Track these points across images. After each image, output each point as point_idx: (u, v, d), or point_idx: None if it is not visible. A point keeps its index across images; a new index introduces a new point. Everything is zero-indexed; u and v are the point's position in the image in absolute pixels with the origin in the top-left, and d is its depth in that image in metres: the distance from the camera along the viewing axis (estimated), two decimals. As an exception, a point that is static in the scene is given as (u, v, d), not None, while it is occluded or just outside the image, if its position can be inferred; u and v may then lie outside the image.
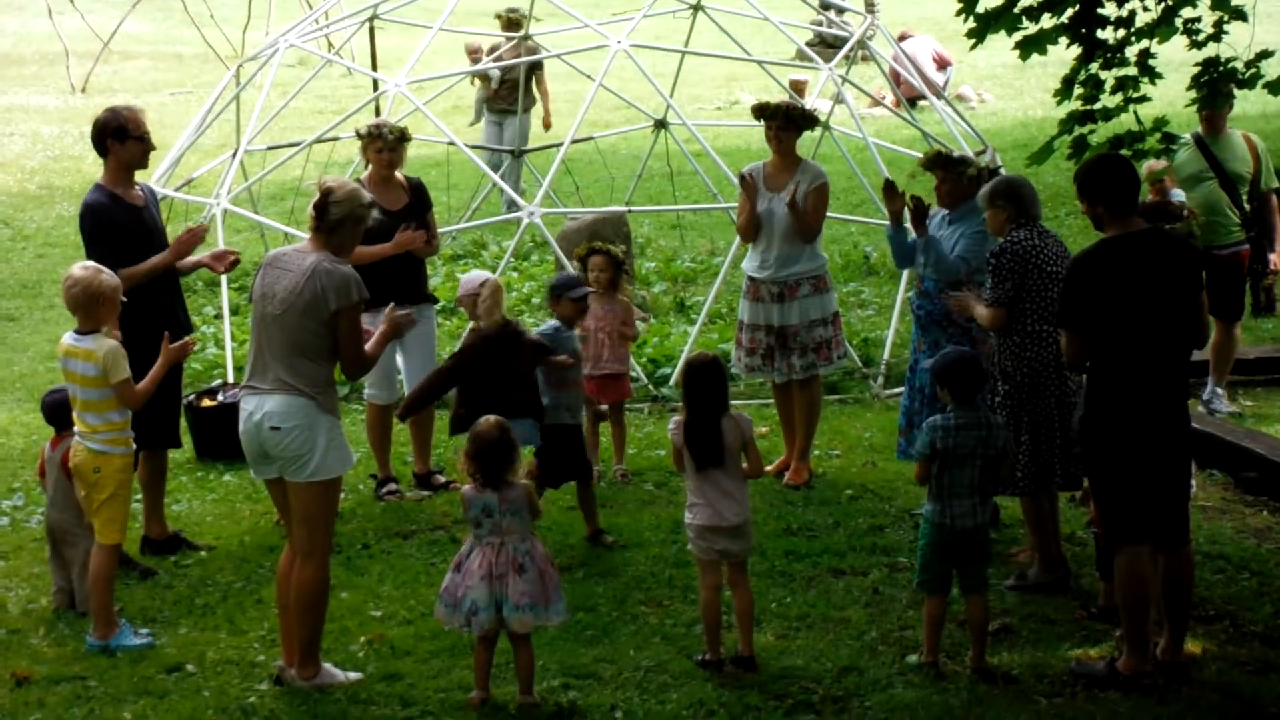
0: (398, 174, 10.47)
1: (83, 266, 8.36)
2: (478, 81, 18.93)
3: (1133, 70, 9.00)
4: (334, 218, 7.56)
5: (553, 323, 9.74)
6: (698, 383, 7.76)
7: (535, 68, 18.51)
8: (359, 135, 10.50)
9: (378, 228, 10.08)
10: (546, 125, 19.06)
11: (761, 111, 10.55)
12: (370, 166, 10.43)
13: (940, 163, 9.66)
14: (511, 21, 18.07)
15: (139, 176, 9.66)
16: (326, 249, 7.54)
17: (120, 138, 9.30)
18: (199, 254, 9.76)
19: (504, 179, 16.80)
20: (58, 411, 8.79)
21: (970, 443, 7.63)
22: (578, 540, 9.40)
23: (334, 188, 7.60)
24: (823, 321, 10.47)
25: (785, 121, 10.43)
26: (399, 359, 10.53)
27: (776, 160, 10.51)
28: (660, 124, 17.90)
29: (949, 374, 7.77)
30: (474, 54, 19.35)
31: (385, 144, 10.31)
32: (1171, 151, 10.18)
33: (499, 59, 18.12)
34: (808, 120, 10.62)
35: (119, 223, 9.23)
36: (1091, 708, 7.23)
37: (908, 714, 7.18)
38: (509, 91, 18.44)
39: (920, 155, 10.45)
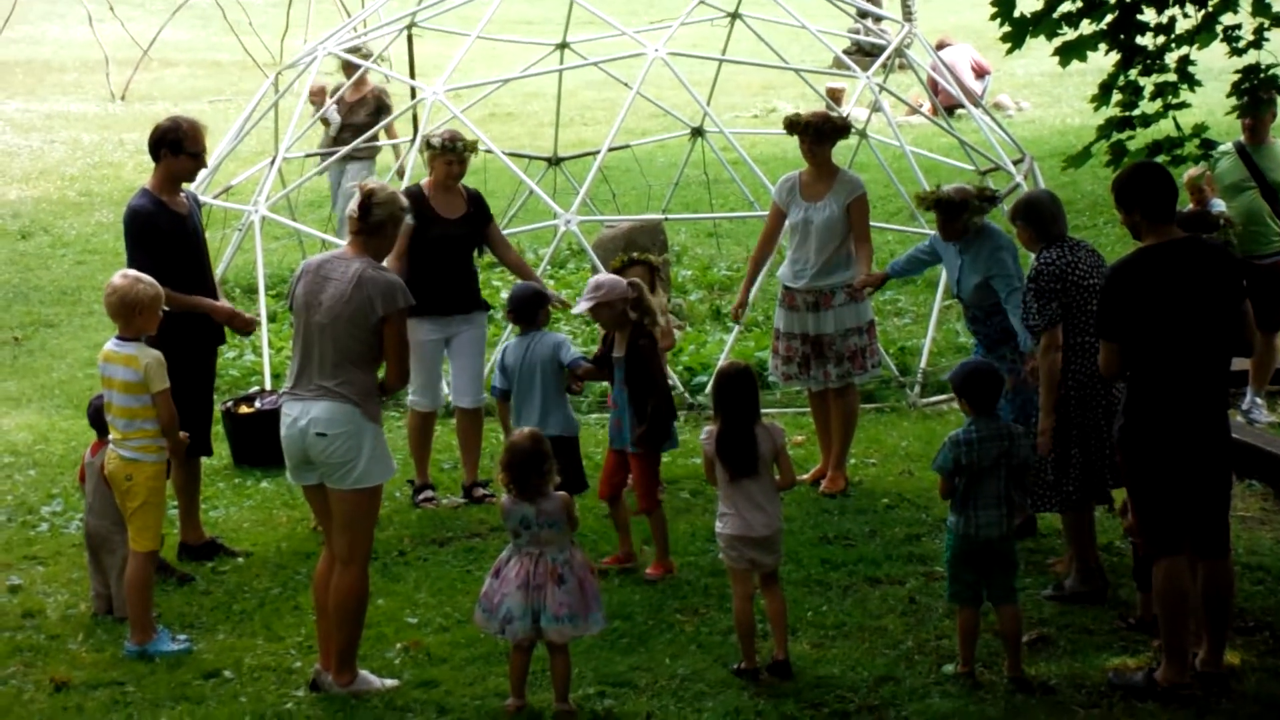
0: (459, 183, 10.51)
1: (122, 275, 8.41)
2: (322, 127, 17.31)
3: (1172, 77, 8.97)
4: (376, 219, 7.59)
5: (560, 335, 9.67)
6: (731, 391, 7.74)
7: (380, 110, 16.69)
8: (428, 145, 10.49)
9: (438, 235, 10.14)
10: (400, 173, 16.91)
11: (793, 126, 10.52)
12: (432, 174, 10.45)
13: (939, 208, 9.61)
14: (351, 65, 16.55)
15: None
16: (367, 253, 7.56)
17: (175, 150, 9.36)
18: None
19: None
20: (101, 417, 8.84)
21: (993, 453, 7.61)
22: (613, 548, 9.38)
23: (375, 189, 7.64)
24: (858, 330, 10.46)
25: (817, 135, 10.39)
26: (449, 366, 10.55)
27: (812, 171, 10.50)
28: (697, 132, 17.88)
29: (968, 385, 7.74)
30: (316, 95, 16.97)
31: (457, 157, 10.35)
32: (1210, 158, 10.14)
33: (341, 101, 16.66)
34: (839, 131, 10.57)
35: (163, 230, 9.28)
36: (1129, 719, 7.19)
37: (944, 724, 7.16)
38: (352, 136, 16.19)
39: (961, 164, 10.43)
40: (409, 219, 7.90)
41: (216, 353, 9.78)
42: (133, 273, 8.45)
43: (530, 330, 9.46)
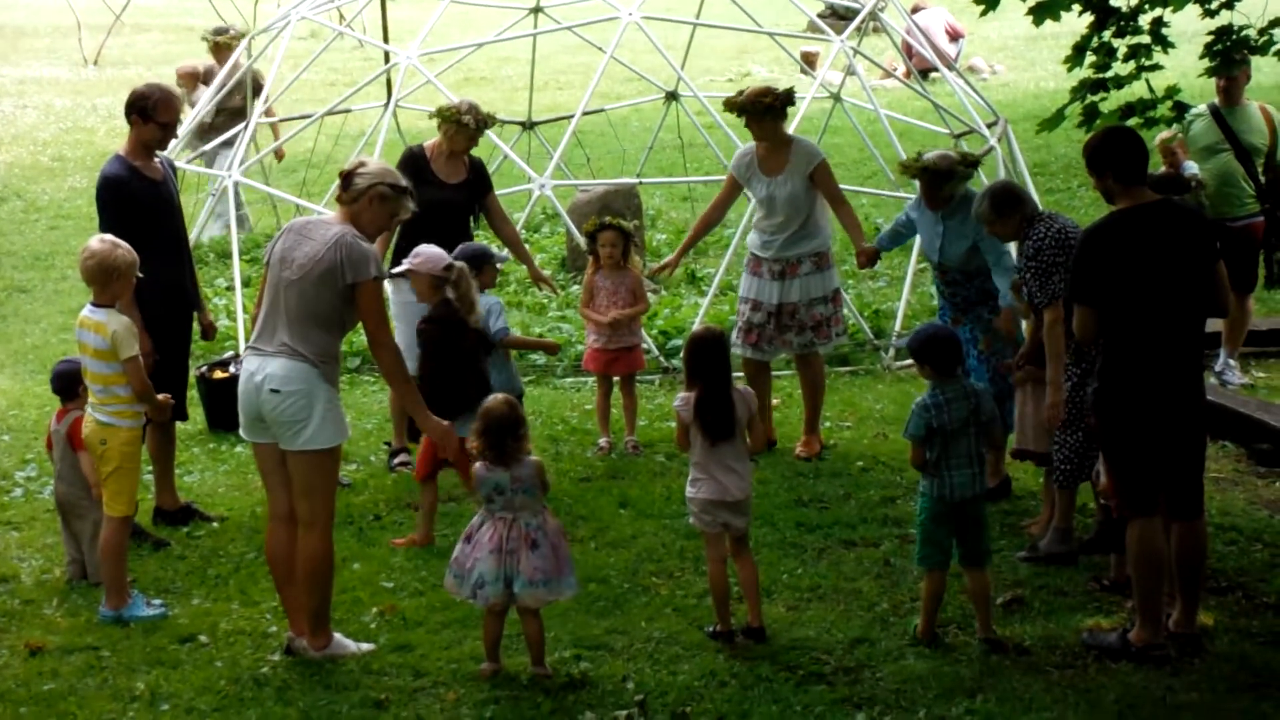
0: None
1: (100, 239, 8.37)
2: (186, 110, 16.20)
3: (1146, 39, 8.97)
4: (356, 189, 7.57)
5: (493, 300, 9.66)
6: (706, 357, 7.74)
7: (255, 93, 15.81)
8: (441, 112, 10.42)
9: (434, 198, 10.13)
10: (279, 156, 16.88)
11: (731, 107, 10.41)
12: (440, 136, 10.42)
13: (924, 176, 9.63)
14: (220, 45, 16.32)
15: None
16: (354, 223, 7.55)
17: (145, 117, 9.31)
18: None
19: (219, 208, 15.15)
20: (63, 382, 8.84)
21: (962, 413, 7.63)
22: (589, 511, 9.40)
23: (366, 162, 7.67)
24: (823, 299, 10.44)
25: (755, 114, 10.28)
26: None
27: (765, 145, 10.44)
28: (671, 96, 17.87)
29: (927, 350, 7.75)
30: (188, 76, 16.68)
31: (466, 132, 10.33)
32: (1184, 120, 10.16)
33: (222, 87, 15.88)
34: (781, 103, 10.31)
35: (136, 196, 9.24)
36: (1103, 679, 7.23)
37: (919, 685, 7.18)
38: (226, 122, 15.98)
39: (935, 127, 10.43)
40: (410, 205, 7.81)
41: (191, 318, 9.74)
42: (110, 238, 8.41)
43: None
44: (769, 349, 10.49)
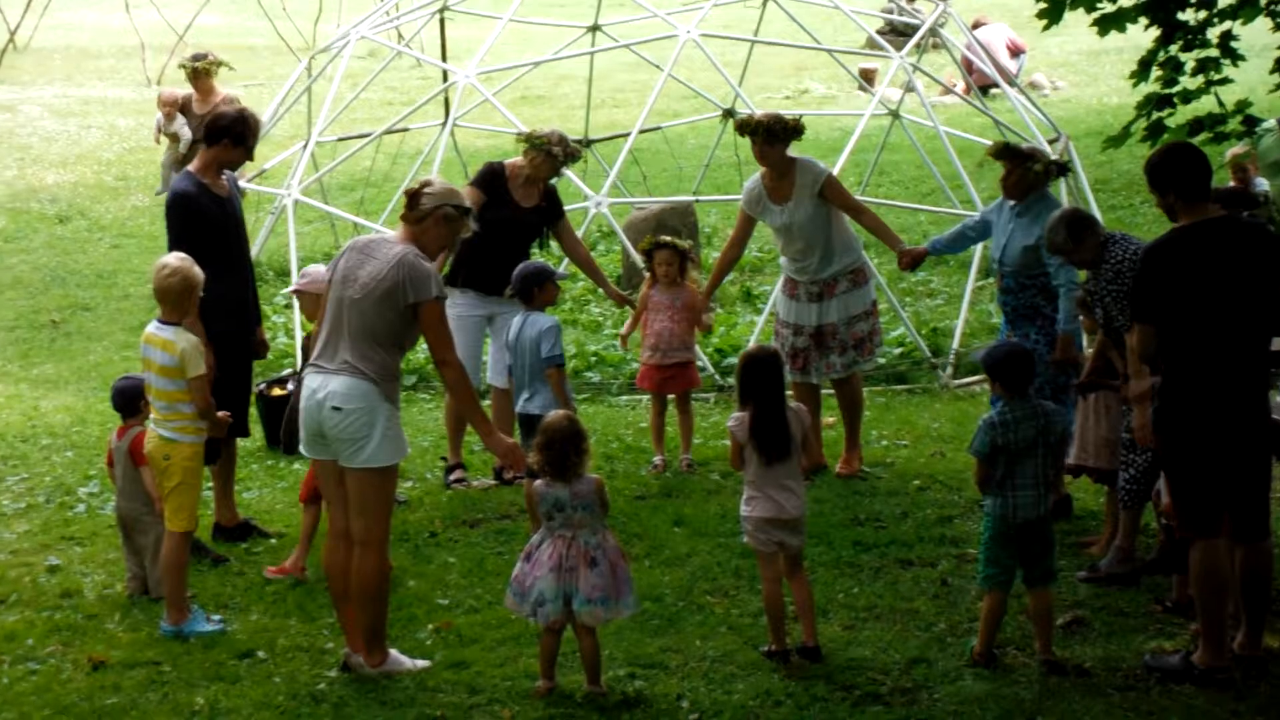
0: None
1: (178, 257, 8.43)
2: (164, 141, 16.31)
3: (1214, 52, 8.87)
4: (422, 209, 7.63)
5: (550, 321, 9.66)
6: (763, 375, 7.71)
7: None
8: (531, 139, 10.42)
9: (504, 217, 10.17)
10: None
11: (744, 128, 10.39)
12: (524, 161, 10.45)
13: (1007, 154, 9.60)
14: (199, 72, 15.87)
15: None
16: (416, 243, 7.59)
17: (236, 142, 9.41)
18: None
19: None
20: (124, 398, 8.91)
21: (1030, 434, 7.56)
22: (644, 530, 9.40)
23: (432, 181, 7.71)
24: (863, 315, 10.40)
25: (768, 137, 10.22)
26: (489, 346, 10.60)
27: (770, 173, 10.36)
28: (728, 113, 17.86)
29: (1001, 367, 7.69)
30: (169, 106, 16.14)
31: (551, 162, 10.37)
32: (1254, 135, 10.05)
33: (190, 113, 15.84)
34: (791, 132, 10.29)
35: (204, 212, 9.34)
36: (1166, 702, 7.16)
37: (977, 706, 7.14)
38: None
39: (991, 143, 10.38)
40: (472, 225, 7.87)
41: (254, 335, 9.80)
42: (185, 256, 8.46)
43: (530, 307, 9.65)
44: (815, 372, 10.43)
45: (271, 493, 10.42)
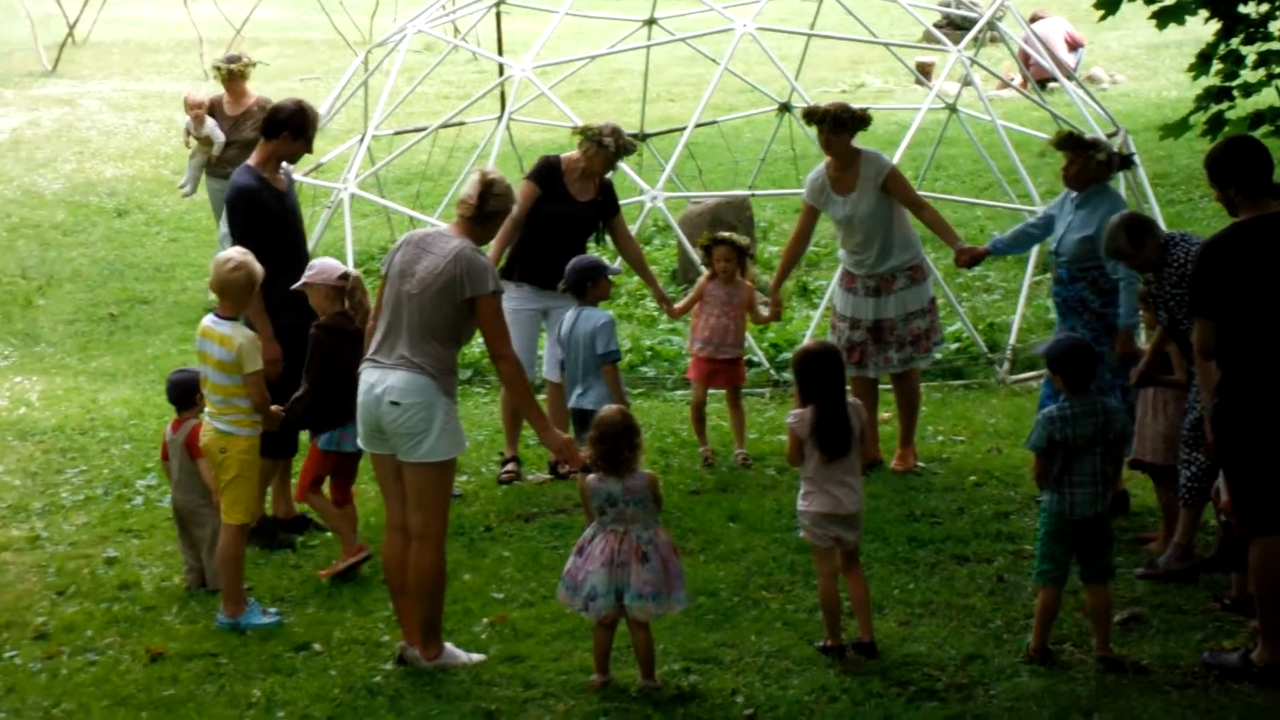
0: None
1: (240, 251, 8.46)
2: (193, 143, 15.65)
3: (1276, 45, 8.81)
4: (491, 209, 7.71)
5: (605, 316, 9.68)
6: (824, 371, 7.69)
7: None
8: (584, 132, 10.46)
9: (560, 211, 10.21)
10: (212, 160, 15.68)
11: (810, 117, 10.39)
12: (579, 153, 10.46)
13: (1070, 144, 9.56)
14: (234, 74, 15.41)
15: None
16: (470, 237, 7.62)
17: (296, 134, 9.47)
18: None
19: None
20: (179, 391, 8.95)
21: (1089, 430, 7.51)
22: (699, 524, 9.40)
23: (495, 180, 7.75)
24: (921, 312, 10.36)
25: (835, 125, 10.20)
26: (545, 340, 10.63)
27: (835, 162, 10.34)
28: (784, 107, 17.84)
29: (1062, 361, 7.65)
30: (196, 109, 15.46)
31: (604, 154, 10.39)
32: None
33: (221, 115, 15.34)
34: (858, 121, 10.29)
35: (266, 206, 9.40)
36: (1225, 700, 7.11)
37: (1033, 703, 7.10)
38: (239, 154, 14.64)
39: (1049, 137, 10.34)
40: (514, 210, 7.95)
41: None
42: (246, 250, 8.49)
43: (583, 302, 9.65)
44: (873, 366, 10.40)
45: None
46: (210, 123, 15.18)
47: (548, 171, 10.41)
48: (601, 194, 10.52)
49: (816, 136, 10.41)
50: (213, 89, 16.59)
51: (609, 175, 10.67)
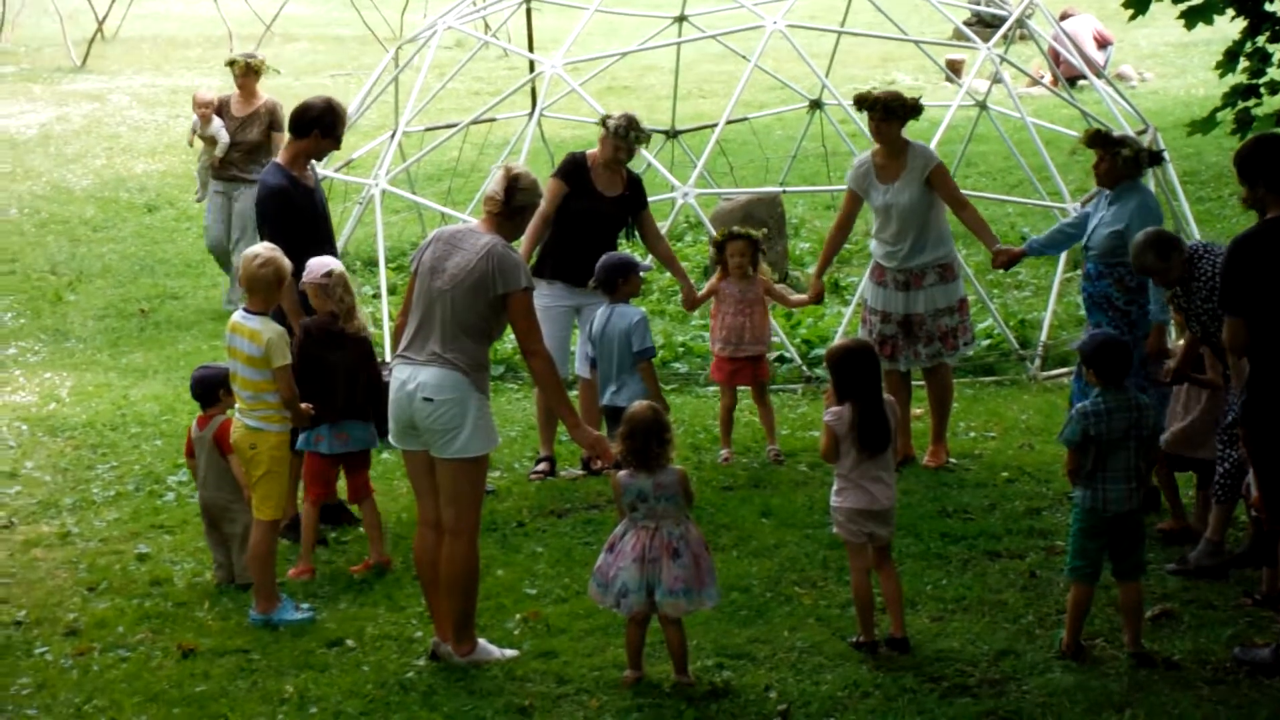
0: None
1: (268, 247, 8.48)
2: (199, 144, 15.29)
3: (1304, 42, 8.80)
4: (518, 204, 7.72)
5: (638, 312, 9.69)
6: (861, 369, 7.68)
7: (273, 126, 14.87)
8: (602, 122, 10.49)
9: (588, 208, 10.23)
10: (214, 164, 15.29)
11: (861, 103, 10.39)
12: (600, 148, 10.47)
13: (1100, 141, 9.56)
14: (250, 69, 15.04)
15: None
16: (499, 233, 7.63)
17: (325, 133, 9.52)
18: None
19: (235, 270, 14.23)
20: (204, 388, 8.95)
21: (1123, 425, 7.50)
22: (732, 520, 9.40)
23: (520, 174, 7.75)
24: (949, 310, 10.34)
25: (885, 113, 10.21)
26: (577, 337, 10.64)
27: (883, 150, 10.35)
28: (815, 104, 17.83)
29: (1097, 356, 7.65)
30: (205, 108, 14.98)
31: (625, 144, 10.38)
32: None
33: (228, 114, 14.91)
34: (910, 110, 10.32)
35: (297, 206, 9.45)
36: (1256, 695, 7.10)
37: (1066, 698, 7.10)
38: (243, 156, 14.94)
39: (1078, 134, 10.33)
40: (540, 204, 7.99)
41: None
42: (274, 246, 8.52)
43: (614, 299, 9.67)
44: (903, 360, 10.39)
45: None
46: (217, 122, 14.85)
47: (574, 168, 10.42)
48: (629, 188, 10.52)
49: (867, 124, 10.39)
50: (223, 87, 16.28)
51: (637, 171, 10.67)
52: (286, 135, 13.46)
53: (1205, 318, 8.42)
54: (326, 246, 9.57)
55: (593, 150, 10.57)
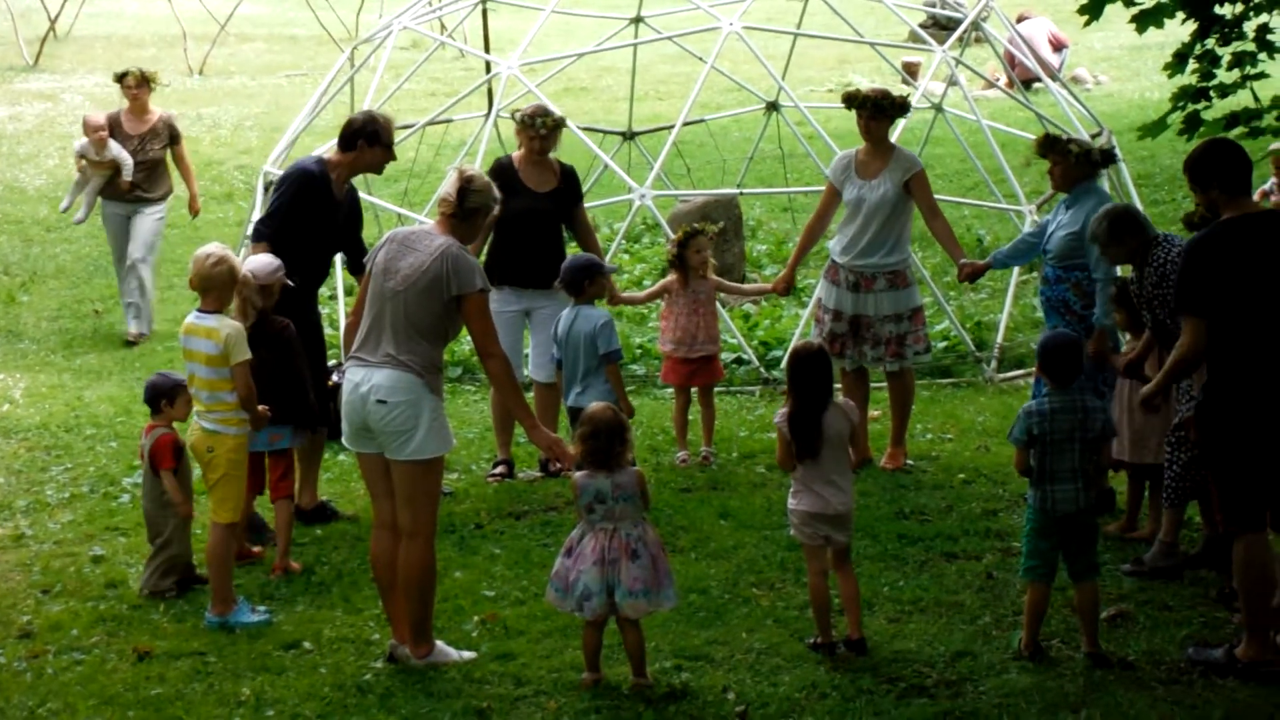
0: (551, 157, 10.54)
1: (220, 245, 8.47)
2: (87, 166, 14.35)
3: (1251, 46, 8.85)
4: (471, 205, 7.68)
5: (603, 314, 9.71)
6: (805, 371, 7.71)
7: (173, 140, 14.50)
8: (512, 118, 10.54)
9: (524, 208, 10.21)
10: (194, 211, 15.14)
11: (851, 101, 10.45)
12: (522, 148, 10.48)
13: (1050, 146, 9.60)
14: (145, 81, 14.41)
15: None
16: (454, 235, 7.62)
17: (371, 141, 9.51)
18: None
19: (132, 291, 14.35)
20: (150, 394, 8.91)
21: (1067, 426, 7.55)
22: (690, 522, 9.41)
23: (474, 176, 7.73)
24: (895, 317, 10.36)
25: (875, 110, 10.30)
26: (530, 340, 10.63)
27: (869, 148, 10.42)
28: (772, 106, 17.85)
29: (1045, 356, 7.70)
30: (100, 131, 14.22)
31: (535, 132, 10.37)
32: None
33: (122, 134, 14.27)
34: (898, 108, 10.45)
35: (315, 202, 9.41)
36: (1210, 695, 7.14)
37: (1022, 699, 7.12)
38: (146, 175, 14.38)
39: (1034, 138, 10.38)
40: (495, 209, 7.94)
41: (321, 326, 9.84)
42: (226, 246, 8.52)
43: (579, 300, 9.66)
44: (849, 359, 10.41)
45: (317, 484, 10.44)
46: (115, 145, 14.17)
47: (502, 172, 10.38)
48: (563, 181, 10.51)
49: (856, 121, 10.43)
50: (93, 113, 15.02)
51: (595, 172, 10.67)
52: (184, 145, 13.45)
53: (1156, 304, 8.46)
54: (322, 255, 9.60)
55: (517, 152, 10.57)
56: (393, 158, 9.75)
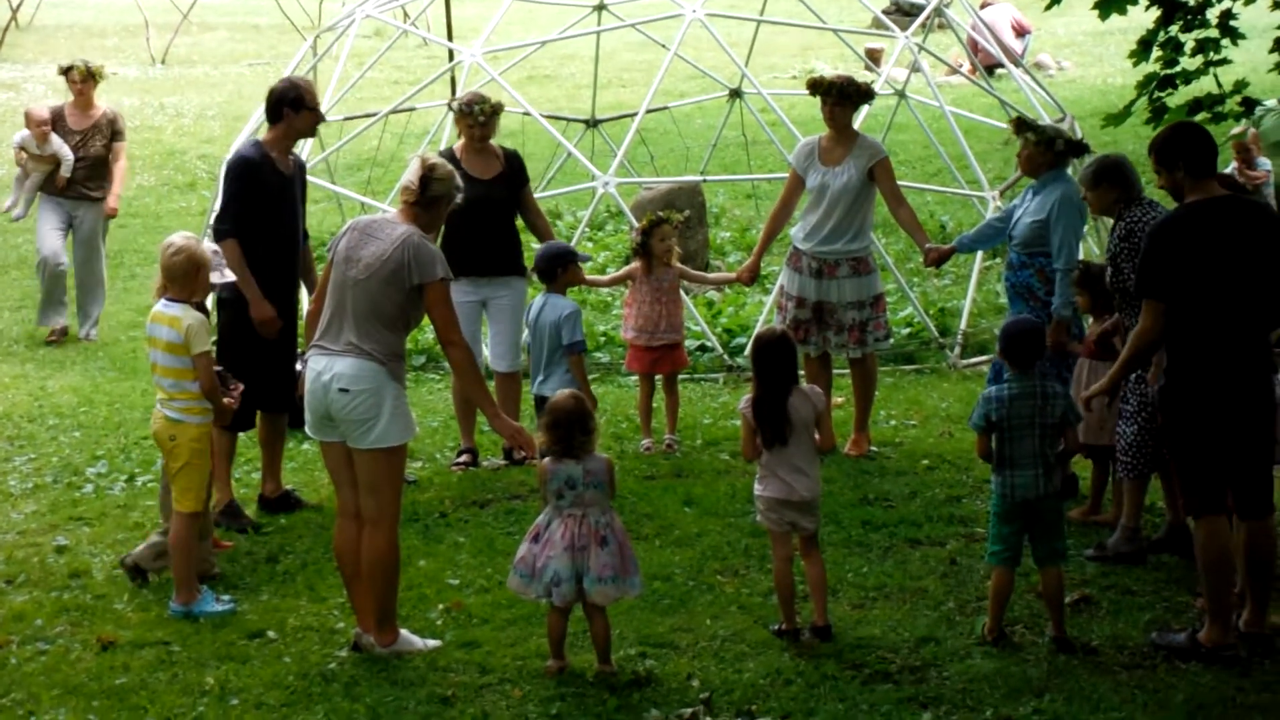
0: (493, 143, 10.51)
1: (185, 236, 8.45)
2: (28, 160, 14.16)
3: (1214, 32, 8.89)
4: (434, 193, 7.68)
5: (570, 305, 9.70)
6: (768, 357, 7.72)
7: (115, 136, 14.27)
8: (450, 108, 10.55)
9: (472, 196, 10.18)
10: (110, 213, 14.47)
11: (816, 87, 10.46)
12: (462, 138, 10.47)
13: (1022, 128, 9.62)
14: (92, 74, 14.23)
15: None
16: (416, 224, 7.60)
17: (296, 107, 9.45)
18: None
19: (84, 293, 14.22)
20: None
21: (1026, 412, 7.57)
22: (654, 510, 9.41)
23: (436, 165, 7.72)
24: (858, 304, 10.39)
25: (840, 97, 10.32)
26: (488, 330, 10.60)
27: (832, 135, 10.44)
28: (735, 93, 17.85)
29: (1004, 341, 7.73)
30: (44, 125, 14.02)
31: (473, 119, 10.35)
32: (1251, 116, 10.07)
33: (64, 129, 14.03)
34: (863, 95, 10.47)
35: (264, 183, 9.36)
36: (1173, 679, 7.18)
37: (986, 684, 7.15)
38: (87, 172, 14.14)
39: (1001, 124, 10.41)
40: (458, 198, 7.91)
41: (297, 314, 9.80)
42: (192, 235, 8.51)
43: (552, 288, 9.70)
44: (813, 345, 10.44)
45: (281, 473, 10.40)
46: (56, 140, 13.93)
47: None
48: (507, 165, 10.49)
49: (820, 108, 10.44)
50: (36, 107, 14.63)
51: (558, 160, 10.67)
52: (125, 144, 13.32)
53: (1121, 259, 8.44)
54: (286, 234, 9.50)
55: (459, 143, 10.55)
56: (321, 119, 9.69)
